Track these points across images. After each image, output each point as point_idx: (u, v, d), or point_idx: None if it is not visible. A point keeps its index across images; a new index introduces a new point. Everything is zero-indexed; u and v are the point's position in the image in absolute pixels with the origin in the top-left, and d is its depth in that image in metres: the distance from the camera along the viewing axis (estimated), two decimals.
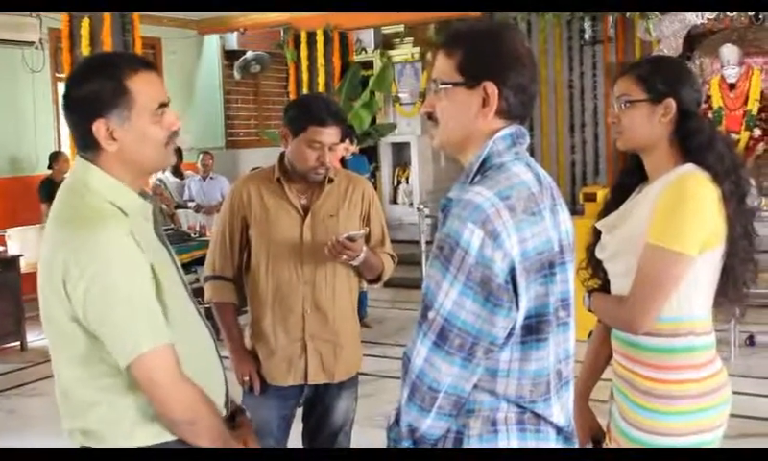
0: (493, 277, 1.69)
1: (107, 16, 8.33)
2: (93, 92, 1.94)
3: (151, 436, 1.99)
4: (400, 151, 12.33)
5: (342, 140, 7.71)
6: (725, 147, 2.28)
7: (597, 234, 2.45)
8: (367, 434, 5.19)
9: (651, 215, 2.21)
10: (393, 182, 12.39)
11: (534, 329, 1.76)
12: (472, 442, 1.77)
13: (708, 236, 2.21)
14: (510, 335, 1.74)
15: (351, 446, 3.57)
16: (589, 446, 2.48)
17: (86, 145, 1.98)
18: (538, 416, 1.80)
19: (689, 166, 2.25)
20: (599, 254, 2.41)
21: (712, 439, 2.30)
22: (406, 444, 1.79)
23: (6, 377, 6.43)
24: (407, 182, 12.22)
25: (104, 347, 1.92)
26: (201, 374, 2.05)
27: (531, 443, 1.78)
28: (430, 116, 1.89)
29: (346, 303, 3.23)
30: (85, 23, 8.26)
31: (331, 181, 3.20)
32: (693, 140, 2.26)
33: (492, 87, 1.80)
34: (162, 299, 1.97)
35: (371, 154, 11.02)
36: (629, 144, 2.36)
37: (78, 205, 1.96)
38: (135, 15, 8.69)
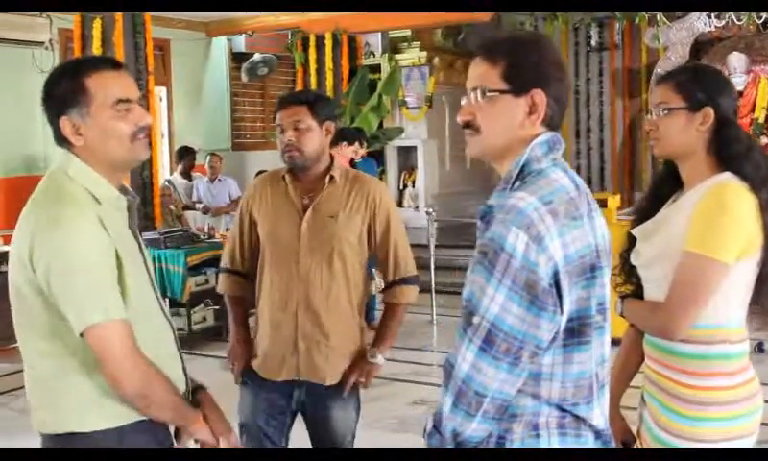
0: (538, 280, 1.71)
1: (118, 18, 8.36)
2: (57, 92, 2.11)
3: (103, 419, 2.09)
4: (407, 154, 12.37)
5: (350, 143, 7.70)
6: (761, 156, 2.30)
7: (631, 240, 2.46)
8: (377, 437, 5.23)
9: (689, 223, 2.23)
10: (399, 186, 12.41)
11: (576, 332, 1.79)
12: (515, 446, 1.78)
13: (744, 245, 2.22)
14: (554, 339, 1.76)
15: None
16: None
17: (60, 141, 2.14)
18: (578, 419, 1.82)
19: (727, 175, 2.26)
20: (634, 261, 2.43)
21: (744, 445, 2.31)
22: (449, 447, 1.81)
23: (15, 377, 6.57)
24: (413, 186, 12.25)
25: (65, 323, 2.02)
26: (158, 362, 2.13)
27: (569, 443, 1.80)
28: (469, 124, 1.90)
29: (342, 305, 3.18)
30: (97, 24, 8.30)
31: (333, 179, 3.18)
32: (731, 149, 2.28)
33: (540, 95, 1.83)
34: (124, 283, 2.07)
35: (377, 157, 11.04)
36: (665, 151, 2.38)
37: (54, 188, 2.10)
38: (147, 17, 8.72)
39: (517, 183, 1.82)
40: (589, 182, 12.43)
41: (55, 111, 2.11)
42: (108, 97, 2.09)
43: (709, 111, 2.29)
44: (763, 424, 2.41)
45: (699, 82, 2.34)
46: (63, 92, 2.09)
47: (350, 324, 3.23)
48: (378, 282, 7.91)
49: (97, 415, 2.09)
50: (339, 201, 3.17)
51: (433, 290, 8.02)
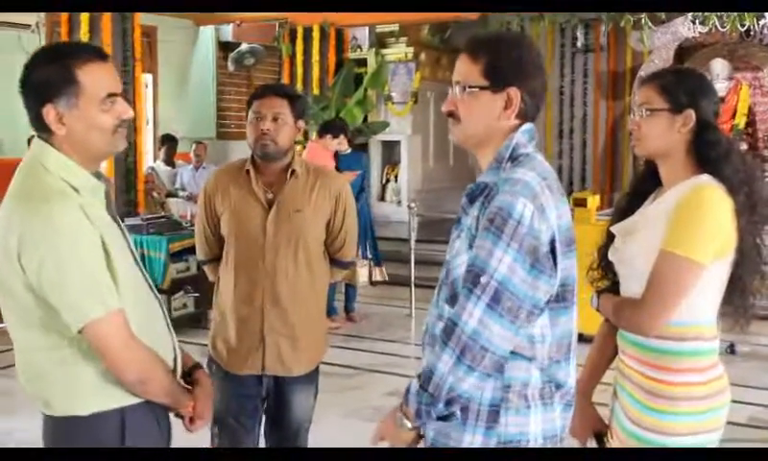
0: (540, 246, 1.93)
1: None
2: (44, 78, 2.07)
3: (105, 401, 2.14)
4: (391, 149, 12.39)
5: (335, 135, 7.73)
6: (740, 160, 2.37)
7: (610, 237, 2.53)
8: (354, 426, 5.28)
9: (666, 223, 2.29)
10: (381, 180, 12.45)
11: (561, 298, 2.03)
12: (510, 414, 2.00)
13: (720, 246, 2.29)
14: (547, 301, 1.98)
15: (340, 437, 3.58)
16: (592, 442, 2.56)
17: (39, 127, 2.11)
18: (551, 386, 2.06)
19: (705, 177, 2.32)
20: (611, 257, 2.49)
21: (712, 440, 2.39)
22: (440, 406, 1.96)
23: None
24: (396, 181, 12.29)
25: (58, 316, 2.04)
26: (151, 339, 2.18)
27: (549, 412, 2.05)
28: (452, 114, 2.11)
29: (307, 298, 3.25)
30: None
31: (294, 172, 3.22)
32: (711, 152, 2.34)
33: (515, 92, 2.05)
34: (112, 268, 2.09)
35: (360, 151, 11.08)
36: (647, 151, 2.44)
37: (33, 183, 2.08)
38: None
39: (509, 164, 2.02)
40: (571, 183, 12.54)
41: (38, 98, 2.08)
42: (99, 90, 2.09)
43: (691, 114, 2.35)
44: (730, 423, 2.47)
45: (682, 84, 2.40)
46: (51, 80, 2.06)
47: (314, 314, 3.31)
48: (362, 273, 7.99)
49: (98, 398, 2.13)
50: (303, 195, 3.21)
51: (413, 284, 8.08)
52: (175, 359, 2.33)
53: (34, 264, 2.00)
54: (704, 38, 10.43)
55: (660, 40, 10.60)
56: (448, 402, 1.96)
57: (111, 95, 2.12)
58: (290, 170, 3.21)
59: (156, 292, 2.33)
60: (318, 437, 4.96)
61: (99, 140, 2.12)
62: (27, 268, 2.01)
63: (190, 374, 2.42)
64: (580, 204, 7.19)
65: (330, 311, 8.03)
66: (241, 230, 3.20)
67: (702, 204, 2.28)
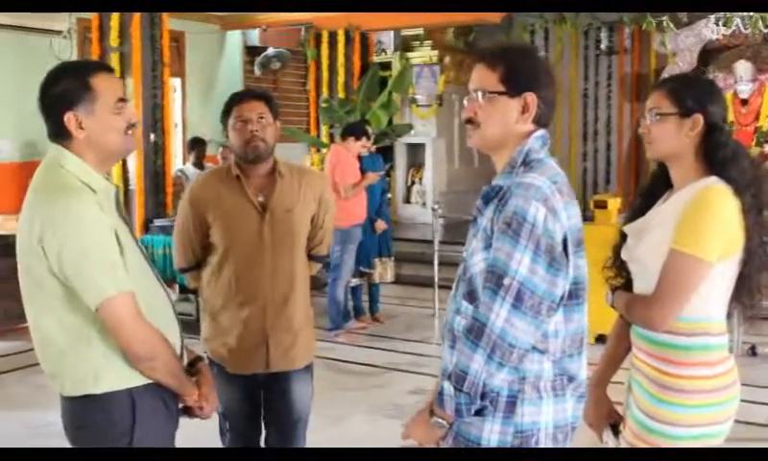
0: (555, 245, 2.06)
1: None
2: (64, 89, 2.34)
3: (116, 381, 2.34)
4: (415, 151, 12.49)
5: (357, 137, 7.82)
6: (747, 162, 2.45)
7: (623, 236, 2.62)
8: (377, 422, 5.38)
9: (676, 223, 2.38)
10: (407, 182, 12.55)
11: (574, 295, 2.16)
12: (525, 404, 2.13)
13: (727, 245, 2.38)
14: (562, 298, 2.10)
15: (363, 432, 3.68)
16: (608, 431, 2.65)
17: (59, 134, 2.36)
18: (564, 378, 2.18)
19: (713, 179, 2.41)
20: (624, 256, 2.59)
21: (721, 431, 2.47)
22: (479, 403, 2.10)
23: (30, 355, 6.69)
24: (420, 183, 12.38)
25: (76, 297, 2.27)
26: (158, 326, 2.38)
27: (560, 403, 2.17)
28: (470, 120, 2.24)
29: (303, 292, 3.37)
30: (115, 16, 8.44)
31: (281, 174, 3.30)
32: (718, 154, 2.43)
33: (532, 97, 2.17)
34: (125, 260, 2.32)
35: (386, 153, 11.17)
36: (657, 154, 2.54)
37: (53, 179, 2.33)
38: None
39: (521, 168, 2.14)
40: (595, 185, 12.58)
41: (59, 107, 2.33)
42: (111, 96, 2.36)
43: (699, 118, 2.44)
44: (749, 422, 2.54)
45: (690, 89, 2.49)
46: (70, 89, 2.33)
47: (308, 308, 3.42)
48: (381, 272, 8.10)
49: (111, 377, 2.33)
50: (291, 195, 3.30)
51: (436, 285, 8.16)
52: (181, 348, 2.52)
53: (54, 248, 2.22)
54: (727, 41, 10.43)
55: (685, 43, 10.61)
56: (482, 397, 2.10)
57: (121, 100, 2.40)
58: (277, 172, 3.30)
59: (164, 285, 2.54)
60: (343, 432, 5.07)
61: (114, 140, 2.38)
62: (48, 252, 2.23)
63: (192, 365, 2.61)
64: (600, 205, 7.25)
65: (358, 311, 8.15)
66: (237, 236, 3.27)
67: (709, 204, 2.37)
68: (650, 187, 2.65)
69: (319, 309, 8.28)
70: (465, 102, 2.27)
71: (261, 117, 3.26)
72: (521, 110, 2.18)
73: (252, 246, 3.26)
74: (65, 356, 2.33)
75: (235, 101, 3.32)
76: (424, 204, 11.89)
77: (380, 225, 8.00)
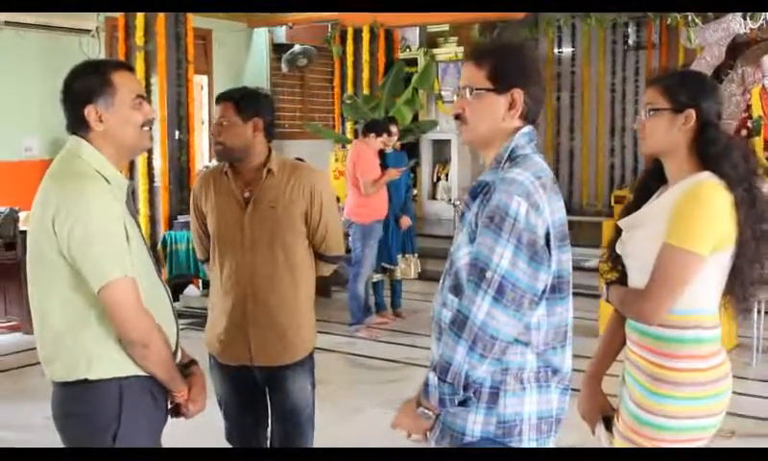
0: (537, 239, 2.10)
1: None
2: (86, 84, 2.46)
3: (108, 369, 2.41)
4: (441, 148, 12.52)
5: (378, 134, 7.81)
6: (740, 156, 2.46)
7: (618, 231, 2.64)
8: (389, 415, 5.38)
9: (669, 217, 2.40)
10: (432, 179, 12.58)
11: (557, 288, 2.20)
12: (508, 395, 2.17)
13: (719, 239, 2.39)
14: (544, 291, 2.14)
15: (376, 424, 3.71)
16: (600, 425, 2.67)
17: (79, 126, 2.47)
18: (548, 370, 2.22)
19: (706, 174, 2.43)
20: (619, 250, 2.61)
21: (712, 424, 2.49)
22: (461, 393, 2.14)
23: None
24: (446, 179, 12.40)
25: (81, 280, 2.35)
26: (157, 320, 2.45)
27: (544, 394, 2.21)
28: (459, 117, 2.29)
29: (287, 291, 3.34)
30: (140, 15, 8.53)
31: (270, 171, 3.33)
32: (710, 149, 2.44)
33: (518, 93, 2.21)
34: (130, 250, 2.41)
35: (412, 150, 11.21)
36: (651, 149, 2.56)
37: (70, 166, 2.44)
38: None
39: (507, 164, 2.18)
40: (623, 180, 12.50)
41: (81, 101, 2.44)
42: (130, 92, 2.48)
43: (692, 113, 2.46)
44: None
45: (683, 85, 2.51)
46: (91, 84, 2.45)
47: (298, 305, 3.39)
48: (403, 268, 8.14)
49: (103, 364, 2.40)
50: (277, 192, 3.32)
51: None
52: (176, 346, 2.59)
53: (65, 229, 2.32)
54: (756, 34, 10.31)
55: (713, 37, 10.48)
56: (465, 388, 2.13)
57: (139, 96, 2.51)
58: (266, 169, 3.33)
59: (164, 283, 2.64)
60: (358, 424, 5.12)
61: (131, 135, 2.50)
62: (59, 233, 2.33)
63: (186, 367, 2.66)
64: (620, 201, 7.25)
65: (379, 307, 8.20)
66: (222, 229, 3.36)
67: (701, 198, 2.38)
68: (644, 182, 2.67)
69: (341, 305, 8.38)
70: (454, 98, 2.32)
71: (221, 121, 3.30)
72: (508, 107, 2.22)
73: (233, 240, 3.33)
74: (62, 339, 2.41)
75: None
76: (450, 200, 11.91)
77: (405, 221, 8.04)
